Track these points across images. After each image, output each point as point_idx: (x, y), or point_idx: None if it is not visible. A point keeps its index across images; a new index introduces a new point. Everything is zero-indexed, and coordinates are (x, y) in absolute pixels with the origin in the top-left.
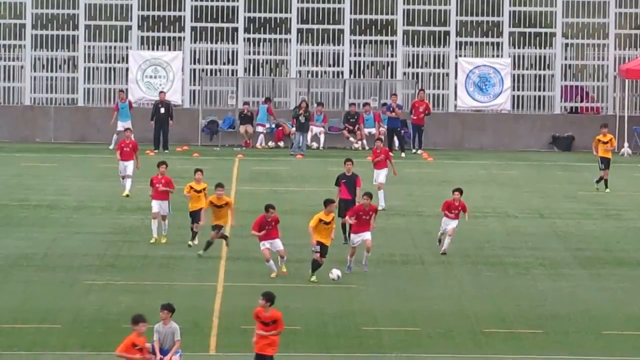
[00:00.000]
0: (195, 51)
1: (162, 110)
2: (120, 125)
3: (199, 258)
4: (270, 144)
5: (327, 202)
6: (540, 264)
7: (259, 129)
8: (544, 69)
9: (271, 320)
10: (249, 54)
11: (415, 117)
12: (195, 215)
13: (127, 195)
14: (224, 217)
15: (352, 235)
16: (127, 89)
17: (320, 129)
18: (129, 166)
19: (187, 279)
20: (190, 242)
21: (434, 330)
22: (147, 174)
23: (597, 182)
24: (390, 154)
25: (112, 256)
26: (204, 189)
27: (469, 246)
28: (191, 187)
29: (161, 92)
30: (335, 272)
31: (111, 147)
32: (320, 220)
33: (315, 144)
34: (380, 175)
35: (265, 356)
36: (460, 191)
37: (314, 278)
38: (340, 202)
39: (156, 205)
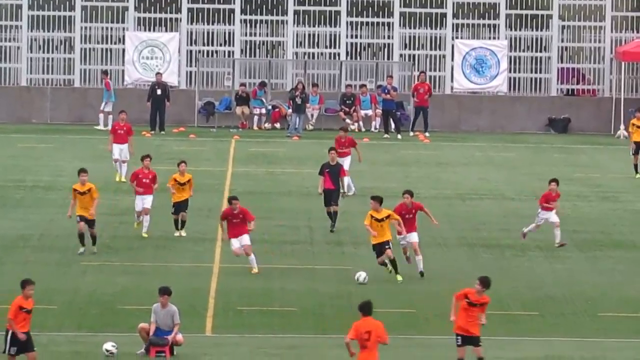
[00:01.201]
0: (191, 32)
1: (159, 91)
2: (107, 106)
3: (196, 240)
4: (267, 125)
5: (373, 199)
6: (537, 246)
7: (255, 110)
8: (541, 51)
9: (479, 303)
10: (246, 35)
11: (417, 100)
12: (179, 207)
13: (124, 181)
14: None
15: (398, 237)
16: (109, 70)
17: (316, 111)
18: (124, 150)
19: (183, 260)
20: (177, 233)
21: (430, 312)
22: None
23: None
24: (356, 140)
25: (109, 237)
26: (189, 181)
27: (466, 228)
28: (175, 180)
29: (158, 73)
30: (361, 275)
31: (100, 127)
32: (372, 217)
33: (311, 126)
34: (345, 163)
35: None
36: (557, 181)
37: (399, 277)
38: (325, 191)
39: (139, 201)
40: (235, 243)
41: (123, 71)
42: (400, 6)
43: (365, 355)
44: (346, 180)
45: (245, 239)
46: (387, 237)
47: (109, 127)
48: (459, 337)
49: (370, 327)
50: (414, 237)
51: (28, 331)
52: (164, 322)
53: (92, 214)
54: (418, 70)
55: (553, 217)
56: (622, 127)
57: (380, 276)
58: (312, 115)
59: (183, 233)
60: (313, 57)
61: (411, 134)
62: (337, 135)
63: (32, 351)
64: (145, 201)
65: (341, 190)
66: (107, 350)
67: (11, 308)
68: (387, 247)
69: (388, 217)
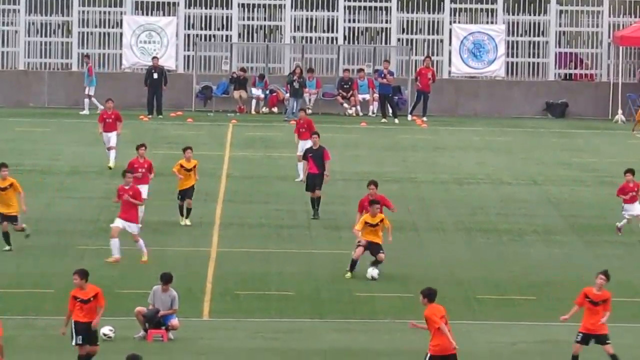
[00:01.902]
0: (189, 16)
1: (155, 75)
2: (90, 90)
3: (192, 225)
4: (264, 109)
5: (371, 203)
6: (534, 231)
7: (253, 94)
8: (538, 36)
9: (601, 300)
10: (244, 19)
11: (420, 85)
12: (185, 193)
13: (111, 168)
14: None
15: None
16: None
17: (313, 96)
18: (112, 137)
19: (180, 244)
20: (183, 222)
21: None
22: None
23: None
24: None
25: (106, 221)
26: (195, 167)
27: (463, 212)
28: (181, 166)
29: (154, 57)
30: (371, 272)
31: (85, 112)
32: (366, 223)
33: (309, 110)
34: (307, 146)
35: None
36: (632, 172)
37: (349, 275)
38: (309, 176)
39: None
40: (118, 222)
41: (121, 55)
42: None
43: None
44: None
45: (133, 227)
46: (379, 240)
47: (87, 112)
48: (581, 335)
49: (443, 311)
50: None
51: (90, 322)
52: (164, 306)
53: (23, 209)
54: (417, 54)
55: (636, 210)
56: (619, 111)
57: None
58: (309, 100)
59: (188, 222)
60: (311, 42)
61: (409, 118)
62: (297, 118)
63: (95, 345)
64: (141, 191)
65: (326, 174)
66: (105, 335)
67: (69, 299)
68: (381, 251)
69: (382, 221)
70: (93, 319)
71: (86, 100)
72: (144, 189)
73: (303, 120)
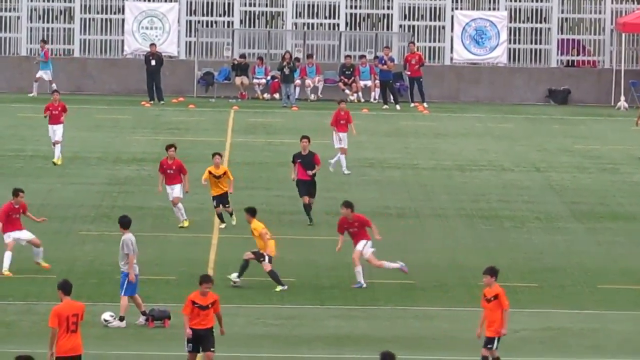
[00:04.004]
0: (191, 2)
1: (153, 62)
2: (41, 74)
3: (194, 210)
4: (266, 95)
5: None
6: (536, 218)
7: (255, 80)
8: (541, 22)
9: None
10: (245, 5)
11: (409, 72)
12: (219, 200)
13: (55, 163)
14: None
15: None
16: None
17: (315, 81)
18: (58, 130)
19: (182, 230)
20: (222, 225)
21: (428, 283)
22: (143, 125)
23: None
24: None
25: (108, 207)
26: (225, 173)
27: (465, 199)
28: (210, 173)
29: (152, 44)
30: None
31: (33, 94)
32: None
33: (313, 96)
34: (344, 139)
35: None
36: None
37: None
38: (298, 182)
39: (169, 190)
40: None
41: (122, 41)
42: None
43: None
44: (343, 159)
45: (25, 234)
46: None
47: (35, 95)
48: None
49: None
50: (360, 246)
51: (209, 328)
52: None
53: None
54: (419, 41)
55: None
56: (622, 98)
57: (380, 246)
58: (311, 87)
59: (234, 221)
60: (312, 28)
61: (411, 104)
62: (338, 110)
63: (209, 351)
64: (174, 190)
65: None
66: (106, 320)
67: (185, 303)
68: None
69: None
70: (208, 326)
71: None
72: (176, 189)
73: (344, 112)
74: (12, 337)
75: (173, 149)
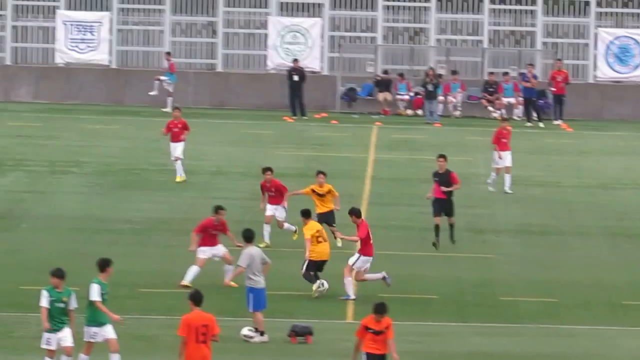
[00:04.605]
0: (334, 18)
1: (296, 77)
2: (166, 83)
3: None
4: (409, 112)
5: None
6: None
7: (399, 96)
8: None
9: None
10: (388, 21)
11: (554, 89)
12: (323, 217)
13: (181, 181)
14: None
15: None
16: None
17: (458, 97)
18: (179, 147)
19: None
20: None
21: (571, 302)
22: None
23: None
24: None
25: (250, 222)
26: (329, 192)
27: (608, 217)
28: (313, 191)
29: (294, 59)
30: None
31: (153, 93)
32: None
33: (457, 112)
34: (507, 158)
35: None
36: None
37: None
38: (435, 201)
39: (270, 210)
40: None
41: (265, 56)
42: None
43: None
44: (507, 178)
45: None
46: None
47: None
48: None
49: None
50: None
51: (384, 354)
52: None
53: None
54: (559, 58)
55: None
56: None
57: (523, 264)
58: (453, 103)
59: (339, 244)
60: (455, 44)
61: (555, 122)
62: (501, 127)
63: None
64: (276, 212)
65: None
66: (246, 336)
67: (358, 327)
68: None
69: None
70: (385, 351)
71: (170, 99)
72: (278, 210)
73: (506, 131)
74: (155, 351)
75: (269, 172)
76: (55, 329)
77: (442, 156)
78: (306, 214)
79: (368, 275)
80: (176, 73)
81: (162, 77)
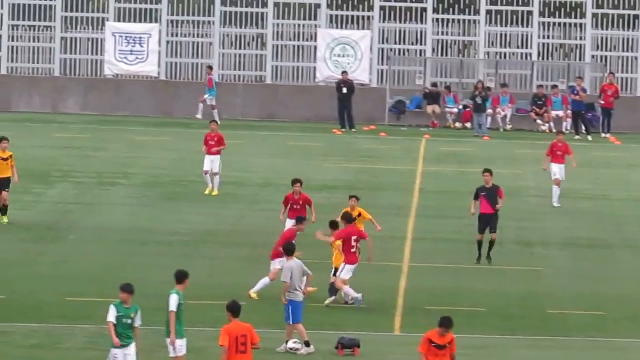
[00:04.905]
0: (383, 31)
1: (345, 90)
2: (209, 99)
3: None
4: (458, 125)
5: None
6: None
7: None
8: None
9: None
10: (438, 34)
11: (603, 102)
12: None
13: (212, 194)
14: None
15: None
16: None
17: (507, 110)
18: (216, 161)
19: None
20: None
21: (620, 315)
22: (335, 153)
23: None
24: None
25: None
26: (360, 215)
27: None
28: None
29: (344, 72)
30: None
31: (199, 116)
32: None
33: (509, 127)
34: (561, 171)
35: None
36: None
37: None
38: (480, 216)
39: (291, 225)
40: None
41: (314, 68)
42: (593, 7)
43: None
44: (555, 191)
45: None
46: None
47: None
48: None
49: None
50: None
51: None
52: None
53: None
54: (612, 72)
55: None
56: None
57: (571, 277)
58: (505, 116)
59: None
60: (504, 57)
61: (604, 135)
62: (555, 140)
63: None
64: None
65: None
66: (291, 349)
67: (422, 341)
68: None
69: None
70: None
71: (215, 112)
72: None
73: (562, 144)
74: None
75: (299, 185)
76: (122, 345)
77: (488, 171)
78: (334, 225)
79: (347, 289)
80: (214, 87)
81: (205, 96)
